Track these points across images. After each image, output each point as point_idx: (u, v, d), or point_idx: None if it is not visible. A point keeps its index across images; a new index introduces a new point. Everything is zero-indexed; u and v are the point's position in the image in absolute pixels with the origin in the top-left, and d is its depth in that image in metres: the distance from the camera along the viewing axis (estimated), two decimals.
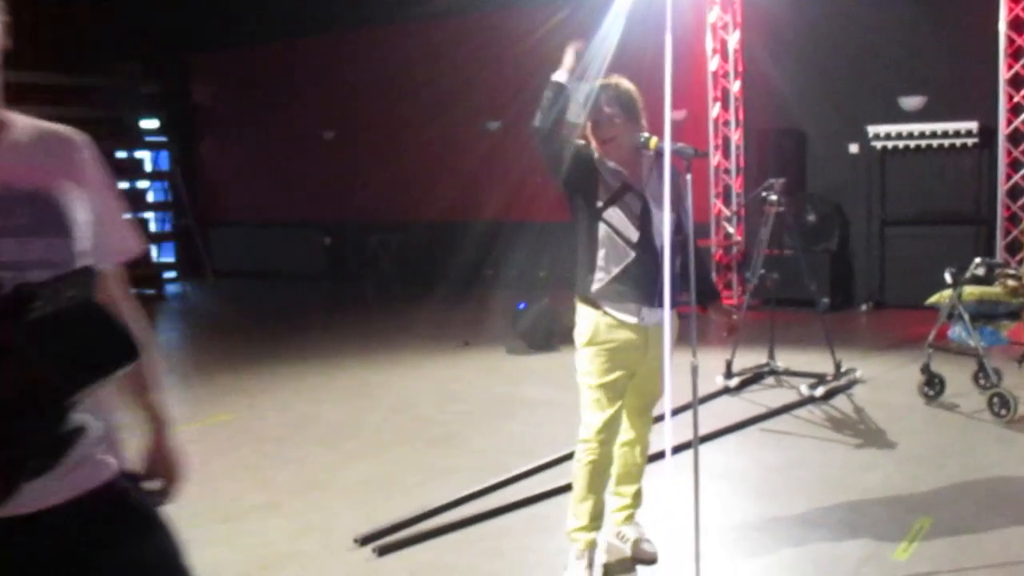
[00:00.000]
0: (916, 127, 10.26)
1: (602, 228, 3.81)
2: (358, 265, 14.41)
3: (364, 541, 4.41)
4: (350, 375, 8.25)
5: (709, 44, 11.42)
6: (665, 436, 3.79)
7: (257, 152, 15.93)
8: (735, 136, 11.62)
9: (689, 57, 11.35)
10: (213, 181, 16.77)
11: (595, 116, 3.83)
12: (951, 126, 10.07)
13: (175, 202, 15.79)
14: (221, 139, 16.72)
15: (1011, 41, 9.79)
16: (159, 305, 13.75)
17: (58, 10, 14.70)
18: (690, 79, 11.35)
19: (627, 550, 4.18)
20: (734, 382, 7.28)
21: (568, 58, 3.78)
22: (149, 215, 16.10)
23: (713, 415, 6.38)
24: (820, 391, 6.89)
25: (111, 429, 2.06)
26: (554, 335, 8.70)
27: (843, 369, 7.25)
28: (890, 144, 10.46)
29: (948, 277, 6.53)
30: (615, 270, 3.80)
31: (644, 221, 3.80)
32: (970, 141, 10.04)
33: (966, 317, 6.44)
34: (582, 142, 3.86)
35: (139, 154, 15.83)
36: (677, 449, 5.02)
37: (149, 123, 15.82)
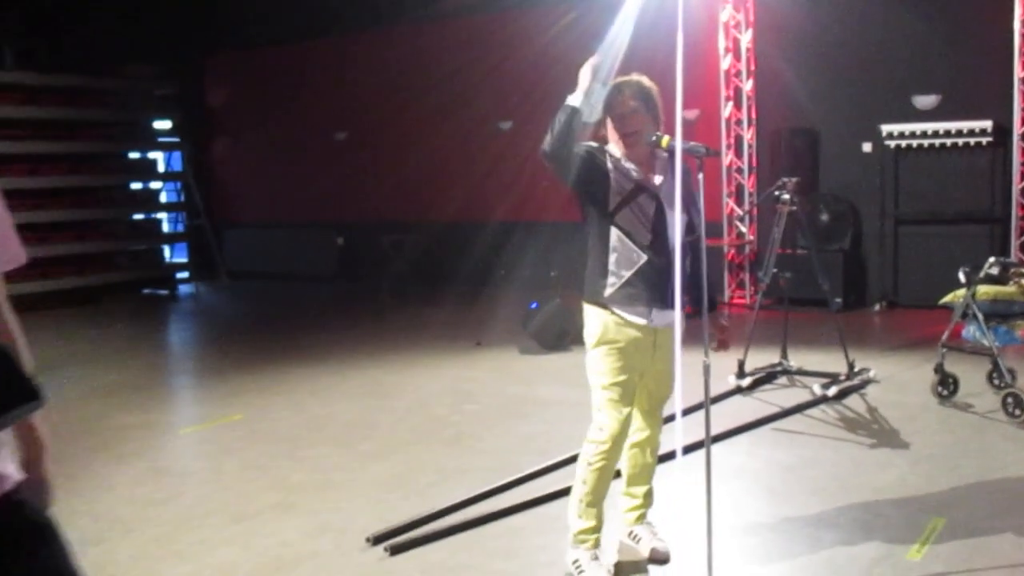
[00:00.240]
0: (930, 126, 10.21)
1: (614, 232, 3.81)
2: (370, 265, 14.43)
3: (376, 541, 4.42)
4: (363, 375, 8.27)
5: (722, 43, 11.40)
6: (676, 436, 3.79)
7: (270, 153, 15.96)
8: (748, 135, 11.59)
9: (701, 56, 11.33)
10: (226, 182, 16.81)
11: (620, 110, 3.82)
12: (965, 125, 10.02)
13: (188, 203, 15.84)
14: (234, 140, 16.76)
15: None
16: (171, 305, 13.81)
17: (73, 13, 14.78)
18: (702, 78, 11.34)
19: (640, 550, 4.17)
20: (746, 382, 7.26)
21: (584, 78, 3.72)
22: (162, 215, 16.17)
23: (725, 415, 6.37)
24: (833, 391, 6.87)
25: (4, 441, 2.05)
26: (566, 335, 8.69)
27: (856, 369, 7.22)
28: (904, 143, 10.42)
29: (962, 276, 6.50)
30: (627, 274, 3.80)
31: (657, 222, 3.80)
32: (984, 140, 9.99)
33: (980, 316, 6.41)
34: (594, 144, 3.84)
35: (152, 155, 15.88)
36: (689, 449, 5.02)
37: (162, 124, 15.87)
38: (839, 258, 10.65)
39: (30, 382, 1.79)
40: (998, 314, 6.69)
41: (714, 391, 6.26)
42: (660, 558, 4.12)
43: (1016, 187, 9.94)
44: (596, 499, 3.92)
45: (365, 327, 10.91)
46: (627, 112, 3.81)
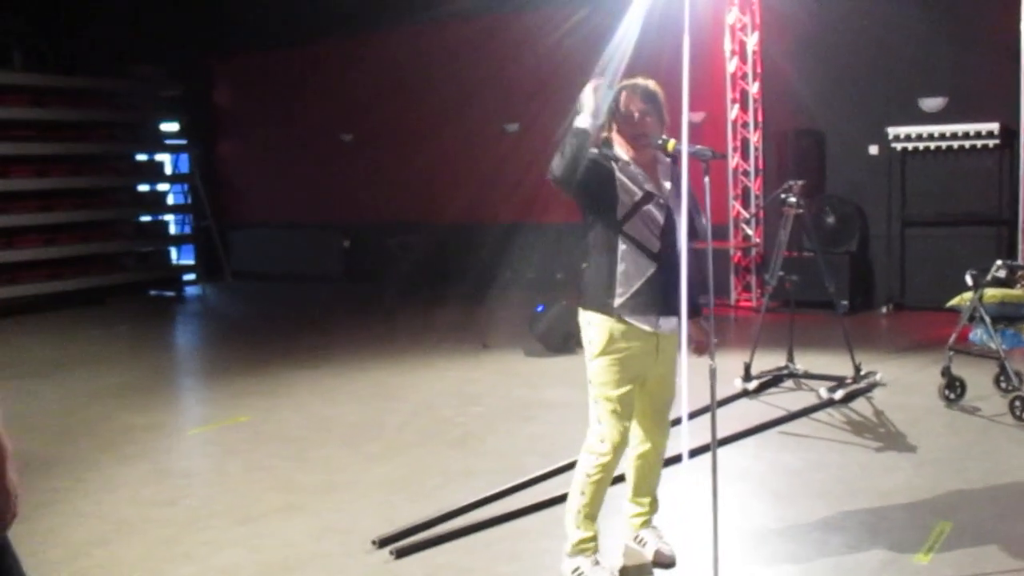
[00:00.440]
0: (936, 128, 10.19)
1: (623, 241, 3.78)
2: (377, 267, 14.44)
3: (382, 543, 4.42)
4: (369, 377, 8.27)
5: (727, 45, 11.39)
6: (682, 439, 3.78)
7: (276, 154, 15.99)
8: (754, 138, 11.58)
9: (707, 59, 11.32)
10: (232, 183, 16.84)
11: (628, 111, 3.80)
12: (972, 127, 10.00)
13: (194, 204, 15.87)
14: (241, 142, 16.79)
15: None
16: (178, 307, 13.83)
17: (81, 15, 14.81)
18: (708, 81, 11.34)
19: (646, 554, 4.16)
20: (753, 385, 7.25)
21: (589, 100, 3.67)
22: (169, 217, 16.20)
23: (732, 418, 6.37)
24: (839, 394, 6.85)
25: None
26: (572, 337, 8.68)
27: (863, 372, 7.21)
28: (910, 145, 10.40)
29: (969, 279, 6.49)
30: (637, 284, 3.78)
31: (666, 230, 3.80)
32: (991, 142, 9.97)
33: (987, 319, 6.40)
34: (597, 151, 3.78)
35: (159, 157, 15.91)
36: (695, 452, 5.02)
37: (169, 126, 15.90)
38: (845, 260, 10.63)
39: None
40: (1005, 317, 6.66)
41: (720, 394, 6.25)
42: (666, 561, 4.12)
43: (1023, 189, 9.91)
44: (595, 510, 3.92)
45: (371, 329, 10.91)
46: (636, 114, 3.80)
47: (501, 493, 5.05)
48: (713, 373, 3.63)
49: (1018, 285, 6.71)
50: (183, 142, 15.84)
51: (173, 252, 15.94)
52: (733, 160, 11.58)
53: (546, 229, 11.89)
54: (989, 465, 5.34)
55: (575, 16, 11.39)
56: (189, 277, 15.46)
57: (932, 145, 10.28)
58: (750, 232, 11.69)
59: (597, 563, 3.93)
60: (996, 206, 10.14)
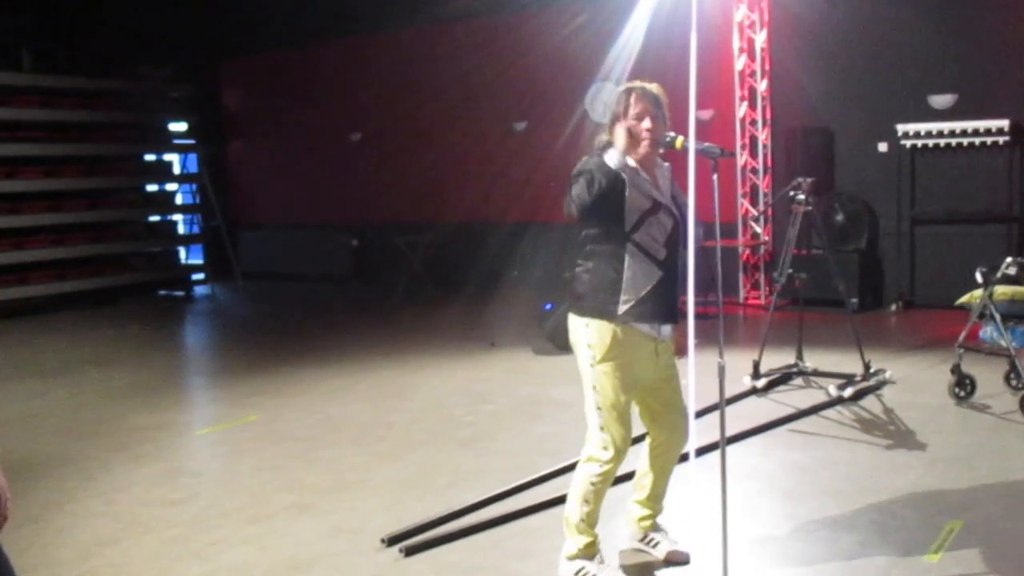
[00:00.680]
0: (946, 125, 10.15)
1: (630, 250, 3.75)
2: (385, 266, 14.45)
3: (391, 542, 4.43)
4: (378, 376, 8.28)
5: (736, 43, 11.37)
6: (689, 437, 3.78)
7: (284, 154, 16.02)
8: (762, 135, 11.56)
9: (716, 56, 11.30)
10: (241, 183, 16.89)
11: (636, 111, 3.76)
12: (982, 124, 9.96)
13: (203, 204, 15.90)
14: (249, 141, 16.83)
15: None
16: (187, 307, 13.86)
17: (89, 16, 14.86)
18: (717, 78, 11.31)
19: (657, 554, 4.15)
20: (762, 383, 7.24)
21: (620, 140, 3.70)
22: (178, 217, 16.24)
23: (740, 416, 6.36)
24: (849, 392, 6.84)
25: None
26: None
27: (872, 370, 7.19)
28: (920, 143, 10.37)
29: (979, 276, 6.47)
30: (643, 292, 3.76)
31: (672, 238, 3.79)
32: (1001, 139, 9.93)
33: (997, 317, 6.38)
34: (604, 161, 3.74)
35: (168, 157, 15.95)
36: (704, 450, 5.02)
37: (177, 126, 15.93)
38: (855, 258, 10.60)
39: None
40: (1016, 315, 6.65)
41: (729, 392, 6.23)
42: (680, 559, 4.10)
43: None
44: (597, 516, 3.92)
45: (380, 328, 10.92)
46: (642, 114, 3.78)
47: (510, 491, 5.06)
48: (722, 371, 3.62)
49: None
50: (191, 142, 15.86)
51: (182, 252, 15.97)
52: (742, 158, 11.56)
53: (553, 228, 11.89)
54: (999, 463, 5.32)
55: (583, 15, 11.39)
56: (198, 277, 15.49)
57: (942, 142, 10.25)
58: (759, 230, 11.67)
59: (601, 561, 3.93)
60: (1006, 203, 10.10)
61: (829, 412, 6.57)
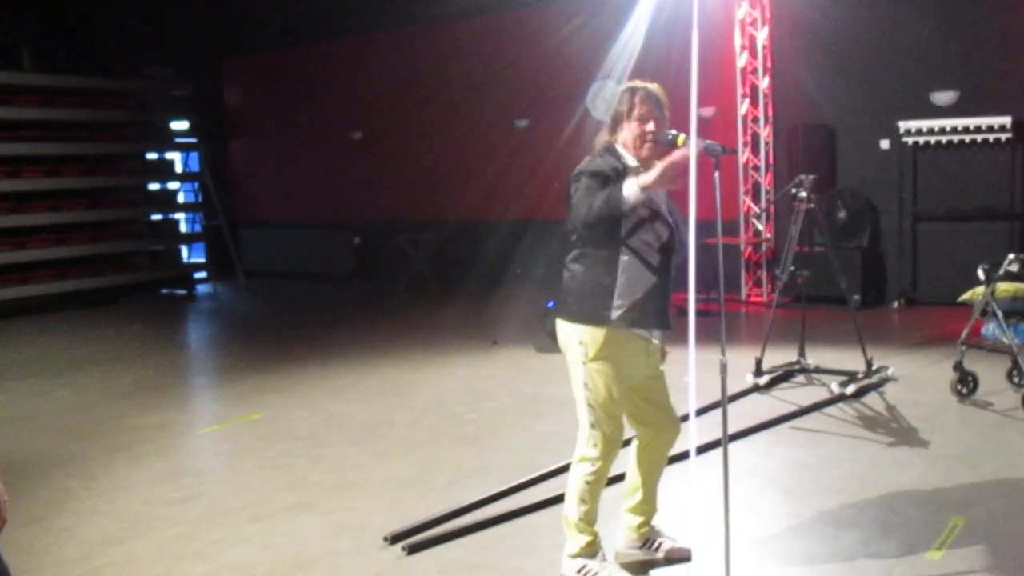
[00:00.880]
0: (948, 122, 10.15)
1: (625, 255, 3.74)
2: (387, 265, 14.45)
3: (394, 539, 4.43)
4: (380, 374, 8.28)
5: (738, 40, 11.36)
6: (691, 435, 3.77)
7: (286, 153, 16.03)
8: (764, 133, 11.55)
9: (718, 53, 11.29)
10: (243, 182, 16.89)
11: (639, 111, 3.75)
12: (984, 121, 9.95)
13: (205, 203, 15.91)
14: (251, 140, 16.83)
15: None
16: (189, 305, 13.87)
17: (90, 14, 14.86)
18: (719, 76, 11.30)
19: (658, 554, 4.14)
20: (764, 380, 7.24)
21: (630, 141, 3.71)
22: (180, 216, 16.25)
23: (742, 413, 6.37)
24: (851, 389, 6.84)
25: None
26: None
27: (875, 367, 7.19)
28: (922, 139, 10.36)
29: (981, 274, 6.47)
30: (637, 297, 3.75)
31: (667, 245, 3.79)
32: (1004, 136, 9.92)
33: (999, 314, 6.38)
34: (608, 160, 3.74)
35: (169, 155, 15.96)
36: (705, 448, 5.02)
37: (179, 125, 15.94)
38: (857, 256, 10.60)
39: None
40: (1018, 312, 6.65)
41: (731, 389, 6.23)
42: (682, 556, 4.10)
43: None
44: (595, 513, 3.91)
45: (382, 326, 10.92)
46: (647, 116, 3.76)
47: (513, 489, 5.06)
48: (724, 368, 3.62)
49: None
50: (193, 140, 15.87)
51: (184, 251, 15.98)
52: (743, 155, 11.55)
53: (555, 225, 11.87)
54: (1002, 460, 5.32)
55: (584, 13, 11.38)
56: (200, 276, 15.50)
57: (944, 139, 10.24)
58: (761, 227, 11.67)
59: (604, 558, 3.93)
60: (1008, 200, 10.09)
61: (831, 409, 6.57)
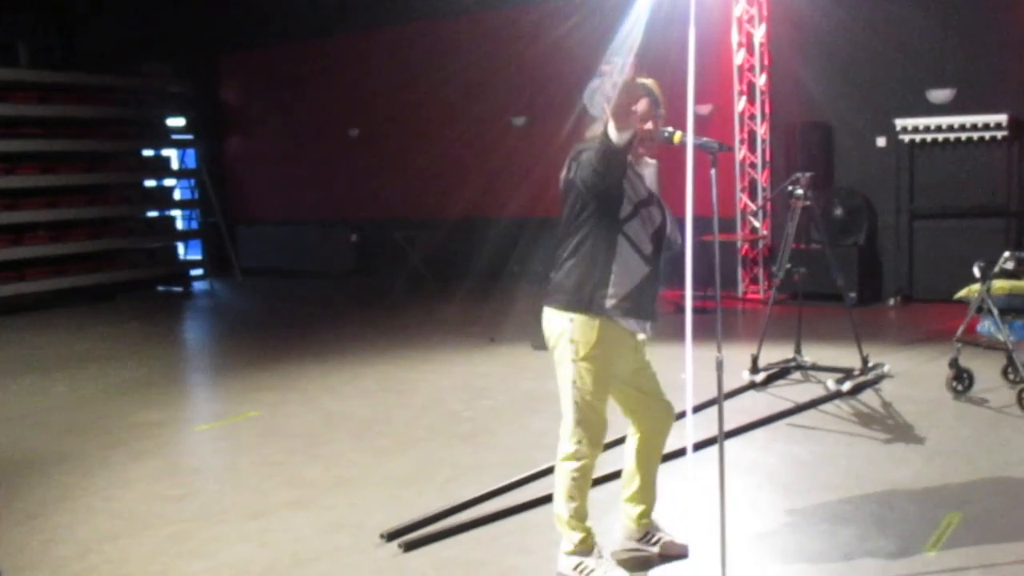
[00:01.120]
0: (945, 120, 10.16)
1: (622, 241, 3.74)
2: (384, 262, 14.45)
3: (390, 537, 4.43)
4: (378, 371, 8.29)
5: (735, 38, 11.37)
6: (687, 432, 3.78)
7: (283, 150, 16.02)
8: (761, 130, 11.56)
9: (715, 51, 11.31)
10: (240, 179, 16.88)
11: (644, 115, 3.74)
12: (980, 119, 9.97)
13: (202, 200, 15.90)
14: (247, 137, 16.82)
15: None
16: (186, 303, 13.86)
17: (87, 11, 14.85)
18: (716, 73, 11.32)
19: (655, 550, 4.14)
20: (760, 377, 7.25)
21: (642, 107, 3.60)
22: (176, 213, 16.24)
23: (739, 410, 6.38)
24: (847, 386, 6.85)
25: None
26: None
27: (871, 364, 7.20)
28: (918, 137, 10.38)
29: (977, 271, 6.48)
30: (630, 286, 3.75)
31: (659, 232, 3.79)
32: (1000, 134, 9.94)
33: (995, 311, 6.39)
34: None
35: (166, 152, 15.94)
36: (701, 445, 5.02)
37: (175, 122, 15.93)
38: (853, 253, 10.61)
39: None
40: (1014, 309, 6.64)
41: (728, 386, 6.26)
42: (679, 552, 4.10)
43: None
44: (585, 509, 3.91)
45: (379, 323, 10.92)
46: (646, 115, 3.76)
47: (510, 486, 5.06)
48: (720, 365, 3.63)
49: None
50: (190, 137, 15.86)
51: (180, 247, 15.97)
52: (740, 152, 11.57)
53: (553, 223, 11.85)
54: (998, 457, 5.33)
55: (581, 9, 11.37)
56: (197, 273, 15.49)
57: (940, 137, 10.26)
58: (758, 224, 11.68)
59: (600, 555, 3.93)
60: (1004, 198, 10.11)
61: (828, 406, 6.58)
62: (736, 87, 11.47)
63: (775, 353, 7.59)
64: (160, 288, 14.77)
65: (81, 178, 13.56)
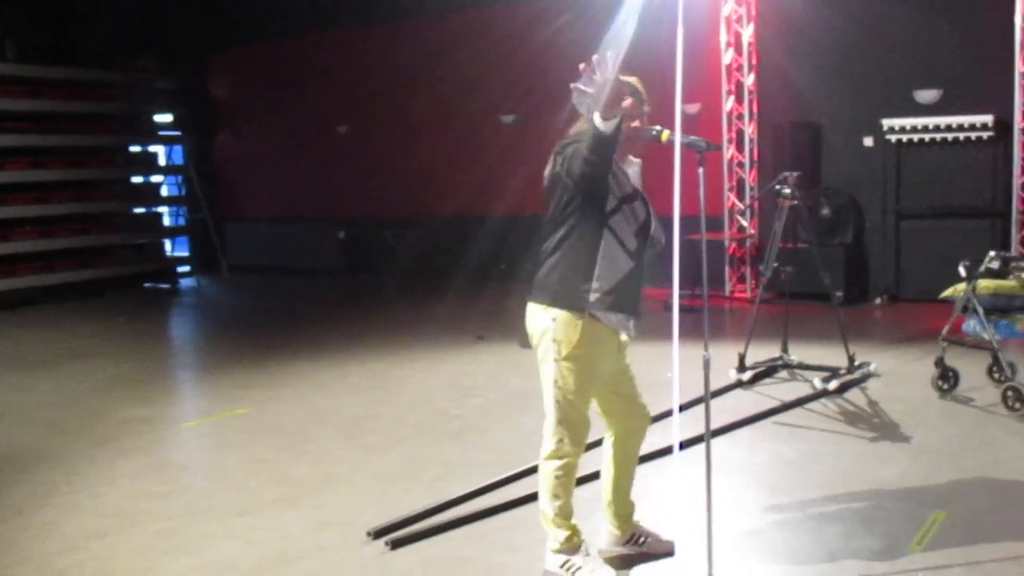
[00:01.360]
0: (931, 120, 10.21)
1: (607, 235, 3.73)
2: (373, 260, 14.44)
3: (377, 534, 4.43)
4: (366, 369, 8.28)
5: (723, 37, 11.40)
6: (673, 430, 3.78)
7: (271, 147, 15.99)
8: (749, 129, 11.59)
9: (703, 50, 11.33)
10: (228, 176, 16.84)
11: (630, 112, 3.74)
12: (967, 119, 10.02)
13: (189, 196, 15.86)
14: (236, 134, 16.78)
15: None
16: (173, 299, 13.82)
17: (76, 6, 14.78)
18: (704, 72, 11.34)
19: (642, 549, 4.16)
20: (747, 375, 7.27)
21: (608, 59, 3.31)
22: (163, 209, 16.19)
23: (725, 409, 6.39)
24: (834, 384, 6.88)
25: None
26: None
27: (857, 363, 7.23)
28: (905, 137, 10.42)
29: (962, 270, 6.52)
30: (615, 280, 3.74)
31: (644, 228, 3.80)
32: (986, 134, 9.99)
33: (980, 310, 6.42)
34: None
35: (153, 148, 15.89)
36: (688, 443, 5.04)
37: (163, 118, 15.88)
38: (840, 252, 10.65)
39: None
40: (999, 308, 6.69)
41: (714, 385, 6.27)
42: (666, 549, 4.10)
43: (1017, 181, 9.94)
44: (570, 507, 3.91)
45: (368, 321, 10.92)
46: (633, 114, 3.76)
47: (497, 483, 5.06)
48: (707, 364, 3.64)
49: (1011, 276, 6.74)
50: (177, 133, 15.82)
51: (167, 244, 15.92)
52: (728, 152, 11.59)
53: (542, 221, 11.88)
54: (983, 455, 5.36)
55: (572, 8, 11.38)
56: (184, 269, 15.45)
57: (927, 137, 10.31)
58: (745, 223, 11.71)
59: (587, 553, 3.93)
60: (990, 198, 10.17)
61: (814, 405, 6.61)
62: (724, 86, 11.50)
63: (762, 352, 7.61)
64: (147, 285, 14.71)
65: (68, 173, 13.51)
